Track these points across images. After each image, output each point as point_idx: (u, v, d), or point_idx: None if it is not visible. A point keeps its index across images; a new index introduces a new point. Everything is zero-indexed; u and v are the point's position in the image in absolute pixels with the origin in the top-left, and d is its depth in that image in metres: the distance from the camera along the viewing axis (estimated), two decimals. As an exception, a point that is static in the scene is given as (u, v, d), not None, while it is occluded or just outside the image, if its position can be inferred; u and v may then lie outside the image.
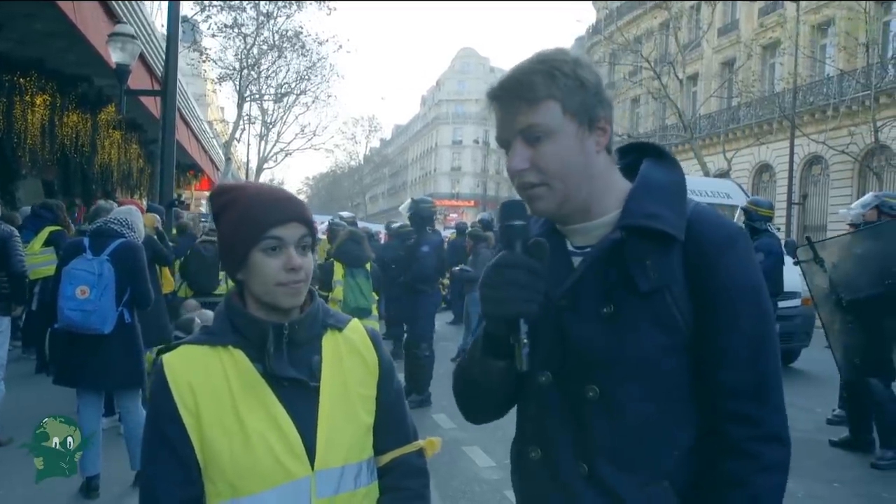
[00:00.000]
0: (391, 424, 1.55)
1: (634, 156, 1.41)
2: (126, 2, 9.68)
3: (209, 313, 6.77)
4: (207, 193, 30.80)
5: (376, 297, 6.91)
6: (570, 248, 1.36)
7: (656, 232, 1.24)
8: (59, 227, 7.62)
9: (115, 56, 9.01)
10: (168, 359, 1.42)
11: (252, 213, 1.40)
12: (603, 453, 1.26)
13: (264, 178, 42.25)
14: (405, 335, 8.34)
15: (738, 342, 1.23)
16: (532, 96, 1.24)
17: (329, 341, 1.50)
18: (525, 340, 1.22)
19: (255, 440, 1.36)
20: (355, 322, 1.59)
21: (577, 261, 1.33)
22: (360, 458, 1.47)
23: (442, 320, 11.93)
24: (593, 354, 1.27)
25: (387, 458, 1.54)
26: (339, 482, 1.42)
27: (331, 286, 6.38)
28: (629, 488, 1.25)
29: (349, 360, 1.50)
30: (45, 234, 7.44)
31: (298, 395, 1.41)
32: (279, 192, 1.49)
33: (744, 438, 1.21)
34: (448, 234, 15.90)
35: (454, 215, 50.17)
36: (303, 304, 1.47)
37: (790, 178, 22.62)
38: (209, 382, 1.38)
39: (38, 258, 7.04)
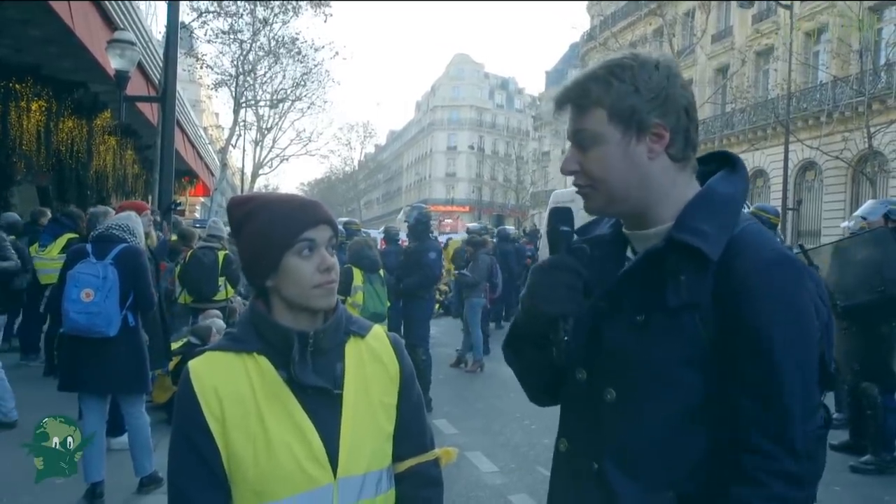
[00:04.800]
0: (410, 432, 1.55)
1: (716, 164, 1.39)
2: (122, 1, 9.65)
3: (221, 323, 6.84)
4: (202, 199, 30.66)
5: (388, 304, 7.00)
6: (628, 254, 1.39)
7: (694, 249, 1.22)
8: (77, 235, 7.56)
9: (114, 62, 8.97)
10: (194, 365, 1.42)
11: (283, 218, 1.41)
12: (612, 455, 1.28)
13: (259, 183, 42.28)
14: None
15: (759, 375, 1.19)
16: (581, 103, 1.30)
17: (352, 348, 1.50)
18: (565, 338, 1.30)
19: (279, 447, 1.36)
20: (378, 329, 1.58)
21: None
22: (381, 466, 1.47)
23: (440, 325, 11.88)
24: (618, 358, 1.29)
25: (404, 465, 1.54)
26: (361, 489, 1.42)
27: (349, 291, 6.44)
28: (632, 494, 1.25)
29: (371, 368, 1.50)
30: (63, 240, 7.40)
31: (322, 402, 1.41)
32: (303, 197, 1.52)
33: (755, 468, 1.18)
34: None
35: (449, 221, 50.16)
36: (328, 311, 1.47)
37: (785, 183, 22.66)
38: (234, 389, 1.38)
39: (54, 263, 7.00)
